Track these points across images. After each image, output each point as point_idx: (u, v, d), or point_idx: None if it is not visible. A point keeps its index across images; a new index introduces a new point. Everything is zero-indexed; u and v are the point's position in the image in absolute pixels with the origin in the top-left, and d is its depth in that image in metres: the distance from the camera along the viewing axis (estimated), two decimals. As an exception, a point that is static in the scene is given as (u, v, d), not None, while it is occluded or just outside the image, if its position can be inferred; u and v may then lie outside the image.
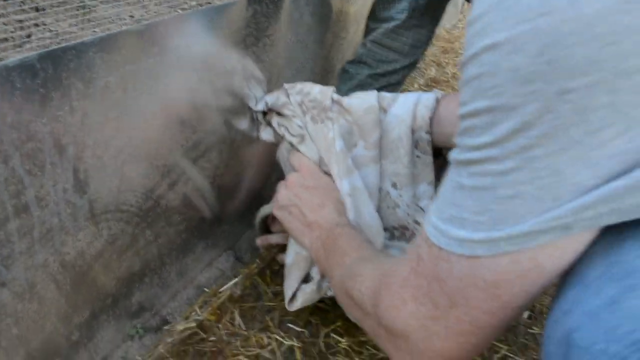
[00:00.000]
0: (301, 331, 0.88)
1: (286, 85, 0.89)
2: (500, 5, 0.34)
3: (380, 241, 0.80)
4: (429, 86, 1.86)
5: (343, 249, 0.68)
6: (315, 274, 0.83)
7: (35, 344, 0.65)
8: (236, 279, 0.96)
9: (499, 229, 0.37)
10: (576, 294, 0.35)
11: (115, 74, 0.59)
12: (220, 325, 0.88)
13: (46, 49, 0.51)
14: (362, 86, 1.16)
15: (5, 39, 1.51)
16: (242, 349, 0.84)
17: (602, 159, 0.33)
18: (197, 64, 0.73)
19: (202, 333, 0.86)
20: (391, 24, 1.13)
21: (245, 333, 0.87)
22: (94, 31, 1.97)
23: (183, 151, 0.77)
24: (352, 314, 0.61)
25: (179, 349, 0.83)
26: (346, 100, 0.85)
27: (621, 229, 0.35)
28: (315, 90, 0.87)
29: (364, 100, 0.85)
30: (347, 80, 1.18)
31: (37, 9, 1.99)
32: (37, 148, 0.54)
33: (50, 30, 2.06)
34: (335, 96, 0.86)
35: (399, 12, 1.12)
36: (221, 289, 0.94)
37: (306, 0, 1.00)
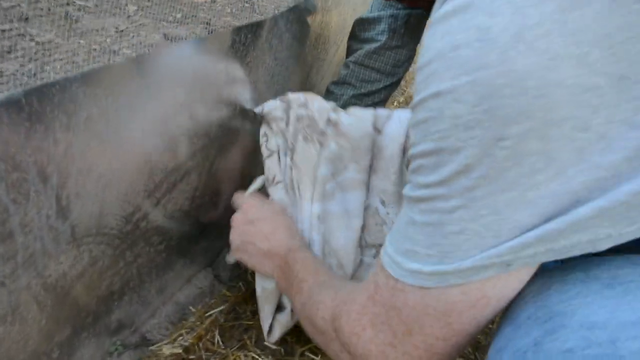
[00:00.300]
0: (277, 349, 0.91)
1: (290, 96, 0.91)
2: (444, 56, 0.38)
3: (350, 267, 0.82)
4: (408, 103, 1.91)
5: (300, 276, 0.70)
6: (287, 302, 0.85)
7: (17, 356, 0.67)
8: (223, 306, 0.98)
9: (447, 263, 0.41)
10: (509, 332, 0.39)
11: (97, 106, 0.62)
12: (200, 344, 0.90)
13: (31, 86, 0.54)
14: (347, 107, 1.20)
15: (-11, 50, 1.49)
16: (219, 366, 0.87)
17: (537, 199, 0.37)
18: (177, 94, 0.76)
19: (183, 354, 0.88)
20: (372, 46, 1.17)
21: (224, 352, 0.89)
22: (79, 42, 1.98)
23: (163, 175, 0.80)
24: (316, 339, 0.63)
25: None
26: (342, 124, 0.87)
27: (552, 273, 0.38)
28: (315, 106, 0.89)
29: (359, 127, 0.87)
30: (332, 102, 1.22)
31: (21, 18, 2.00)
32: (22, 178, 0.57)
33: (35, 42, 2.07)
34: (333, 116, 0.88)
35: (379, 33, 1.16)
36: (207, 314, 0.96)
37: (285, 26, 1.04)
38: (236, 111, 0.93)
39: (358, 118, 0.89)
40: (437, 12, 0.38)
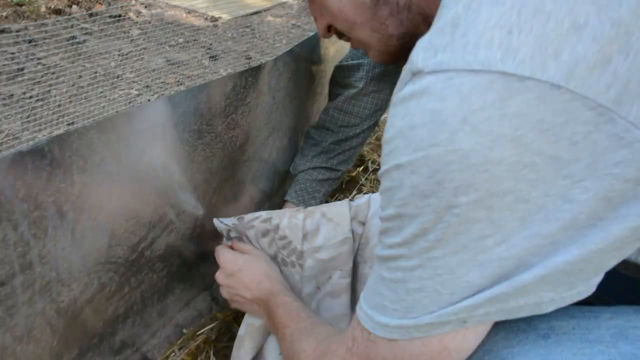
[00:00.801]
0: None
1: (246, 218, 0.93)
2: (404, 133, 0.44)
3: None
4: (379, 144, 1.96)
5: (282, 321, 0.75)
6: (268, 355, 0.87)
7: (29, 380, 0.73)
8: (213, 324, 1.05)
9: (410, 317, 0.47)
10: None
11: (110, 150, 0.70)
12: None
13: (53, 135, 0.61)
14: (326, 152, 1.27)
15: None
16: (214, 385, 0.93)
17: (487, 262, 0.43)
18: (182, 136, 0.84)
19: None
20: (351, 91, 1.23)
21: (218, 369, 0.96)
22: (83, 66, 2.06)
23: (167, 209, 0.87)
24: None
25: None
26: (318, 238, 0.88)
27: (500, 322, 0.45)
28: (284, 224, 0.90)
29: (337, 233, 0.88)
30: (312, 146, 1.29)
31: (29, 41, 2.07)
32: (42, 215, 0.64)
33: (42, 64, 2.15)
34: (309, 228, 0.89)
35: (357, 80, 1.22)
36: (199, 332, 1.03)
37: (284, 67, 1.12)
38: (230, 150, 1.01)
39: (335, 224, 0.89)
40: (399, 93, 0.45)
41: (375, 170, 1.63)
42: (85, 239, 0.72)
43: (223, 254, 0.92)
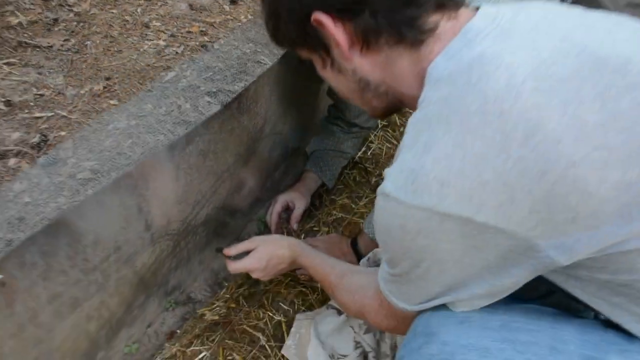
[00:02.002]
0: (287, 309, 1.25)
1: None
2: (379, 231, 0.69)
3: None
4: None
5: (318, 277, 1.03)
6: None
7: (115, 314, 1.01)
8: (246, 285, 1.32)
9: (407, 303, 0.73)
10: (408, 339, 0.72)
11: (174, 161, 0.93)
12: (231, 305, 1.25)
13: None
14: (338, 140, 1.49)
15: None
16: (244, 321, 1.22)
17: (434, 285, 0.68)
18: (219, 136, 1.06)
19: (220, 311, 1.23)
20: (355, 129, 1.48)
21: (248, 309, 1.24)
22: (112, 12, 2.17)
23: (206, 190, 1.11)
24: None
25: (202, 322, 1.21)
26: None
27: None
28: None
29: None
30: (325, 135, 1.50)
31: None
32: (130, 214, 0.88)
33: (74, 12, 2.25)
34: None
35: (366, 120, 1.46)
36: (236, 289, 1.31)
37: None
38: (252, 133, 1.23)
39: None
40: (379, 193, 0.65)
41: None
42: (153, 223, 0.97)
43: (241, 263, 1.11)
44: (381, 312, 0.81)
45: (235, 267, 1.09)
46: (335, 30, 0.69)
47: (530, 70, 0.58)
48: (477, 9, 0.69)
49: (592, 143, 0.56)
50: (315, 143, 1.51)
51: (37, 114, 1.36)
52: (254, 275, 1.10)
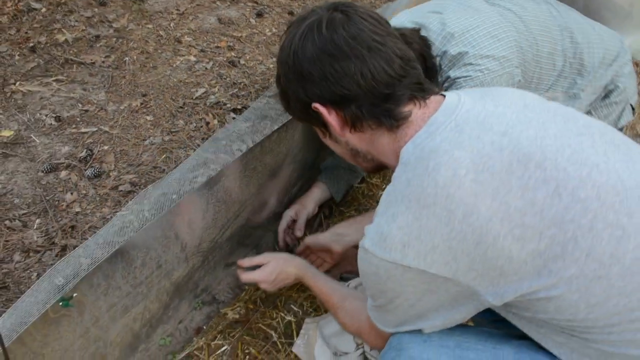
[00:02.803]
0: (297, 310, 1.47)
1: None
2: (363, 276, 0.89)
3: None
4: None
5: (321, 297, 1.22)
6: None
7: (155, 315, 1.24)
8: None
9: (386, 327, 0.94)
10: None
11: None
12: (250, 305, 1.47)
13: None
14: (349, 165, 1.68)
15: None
16: (260, 320, 1.44)
17: (405, 313, 0.89)
18: (245, 173, 1.27)
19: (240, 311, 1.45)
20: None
21: (264, 310, 1.46)
22: (148, 27, 2.30)
23: (230, 215, 1.33)
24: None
25: (224, 320, 1.44)
26: None
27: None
28: None
29: None
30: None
31: (100, 4, 2.27)
32: (169, 243, 1.11)
33: (113, 28, 2.37)
34: None
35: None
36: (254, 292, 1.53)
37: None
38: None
39: None
40: (360, 248, 0.87)
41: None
42: (187, 245, 1.19)
43: (252, 275, 1.32)
44: (372, 333, 1.02)
45: (246, 277, 1.31)
46: (330, 117, 0.90)
47: (472, 165, 0.78)
48: (444, 96, 0.89)
49: (514, 222, 0.76)
50: (331, 160, 1.70)
51: (83, 129, 1.54)
52: (262, 286, 1.32)
